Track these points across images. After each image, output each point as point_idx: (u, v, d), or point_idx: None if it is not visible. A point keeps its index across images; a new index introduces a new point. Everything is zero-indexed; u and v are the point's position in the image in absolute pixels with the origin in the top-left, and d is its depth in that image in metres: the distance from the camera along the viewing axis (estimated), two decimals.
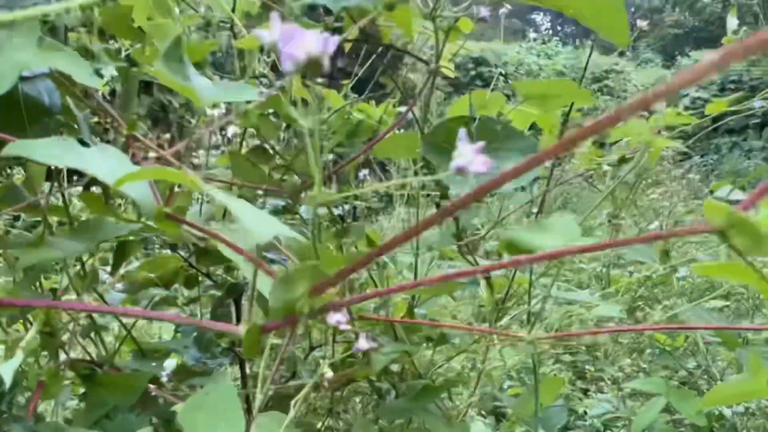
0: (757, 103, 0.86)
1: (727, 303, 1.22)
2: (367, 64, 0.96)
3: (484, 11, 0.55)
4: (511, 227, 0.72)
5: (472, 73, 10.87)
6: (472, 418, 1.58)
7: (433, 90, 0.61)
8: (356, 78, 1.01)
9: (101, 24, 0.57)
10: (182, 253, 0.90)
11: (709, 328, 0.79)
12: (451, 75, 0.95)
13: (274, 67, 0.74)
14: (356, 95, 0.99)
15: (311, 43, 0.23)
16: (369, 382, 0.92)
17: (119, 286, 0.85)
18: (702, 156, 7.40)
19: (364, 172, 0.82)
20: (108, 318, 0.66)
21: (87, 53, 0.43)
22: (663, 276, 1.00)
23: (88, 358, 0.69)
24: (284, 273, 0.27)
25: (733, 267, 0.26)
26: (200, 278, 0.90)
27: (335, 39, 0.24)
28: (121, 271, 0.82)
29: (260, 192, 0.79)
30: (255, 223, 0.25)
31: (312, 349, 0.92)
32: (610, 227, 0.89)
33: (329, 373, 0.42)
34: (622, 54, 15.24)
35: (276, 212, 0.82)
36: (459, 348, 0.75)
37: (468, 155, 0.29)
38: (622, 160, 1.04)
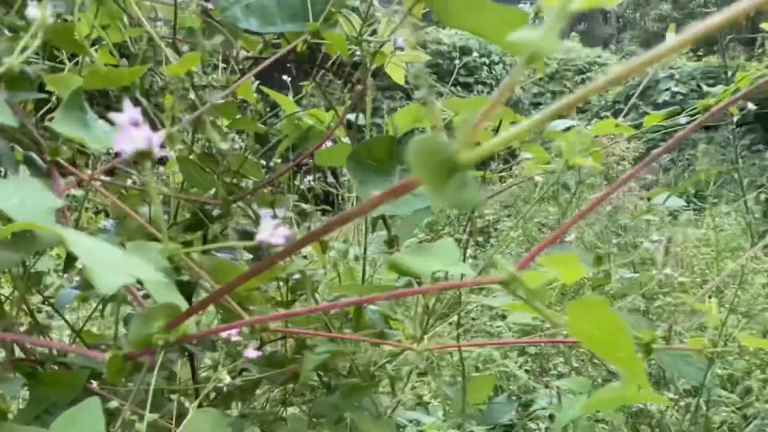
0: (682, 120, 0.91)
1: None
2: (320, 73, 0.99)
3: (400, 41, 0.59)
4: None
5: (456, 61, 10.86)
6: (434, 408, 1.63)
7: (364, 101, 0.65)
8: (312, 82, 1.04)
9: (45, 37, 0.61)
10: None
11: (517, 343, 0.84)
12: (401, 82, 0.99)
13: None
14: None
15: (138, 139, 0.27)
16: (318, 377, 0.96)
17: (73, 283, 0.88)
18: (679, 151, 7.49)
19: (309, 179, 0.86)
20: (56, 318, 0.70)
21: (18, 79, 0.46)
22: (600, 279, 1.05)
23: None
24: (144, 310, 0.31)
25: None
26: None
27: (160, 135, 0.28)
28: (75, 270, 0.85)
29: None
30: (105, 269, 0.27)
31: (263, 344, 0.96)
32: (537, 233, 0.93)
33: (227, 379, 0.46)
34: (606, 46, 15.29)
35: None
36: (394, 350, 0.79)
37: (268, 229, 0.32)
38: (567, 168, 1.08)
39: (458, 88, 9.46)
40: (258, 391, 0.98)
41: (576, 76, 11.08)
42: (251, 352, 0.48)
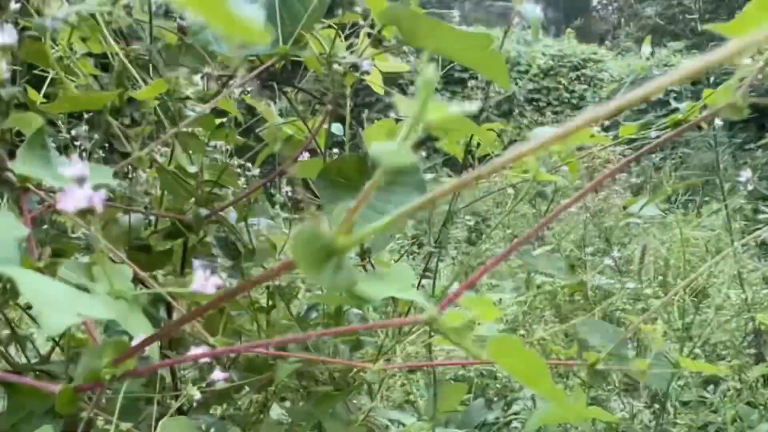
0: (653, 134, 0.93)
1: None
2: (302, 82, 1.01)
3: (366, 65, 0.60)
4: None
5: None
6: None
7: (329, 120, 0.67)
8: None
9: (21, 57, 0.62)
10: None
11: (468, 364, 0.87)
12: (380, 92, 1.00)
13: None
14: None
15: (80, 199, 0.29)
16: (298, 380, 0.99)
17: None
18: (672, 148, 7.52)
19: (286, 190, 0.88)
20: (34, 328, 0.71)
21: None
22: (575, 285, 1.07)
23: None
24: (92, 347, 0.33)
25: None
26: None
27: (101, 195, 0.30)
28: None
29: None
30: (53, 309, 0.29)
31: (238, 356, 0.98)
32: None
33: (197, 395, 0.48)
34: (602, 42, 15.29)
35: None
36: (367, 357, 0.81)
37: (201, 280, 0.34)
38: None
39: (451, 84, 9.44)
40: (242, 392, 1.00)
41: (571, 72, 11.09)
42: (218, 374, 0.50)
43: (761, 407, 1.75)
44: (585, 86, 10.95)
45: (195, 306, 0.68)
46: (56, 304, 0.28)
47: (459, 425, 1.10)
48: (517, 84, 11.00)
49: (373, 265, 0.78)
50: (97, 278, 0.46)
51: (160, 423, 0.58)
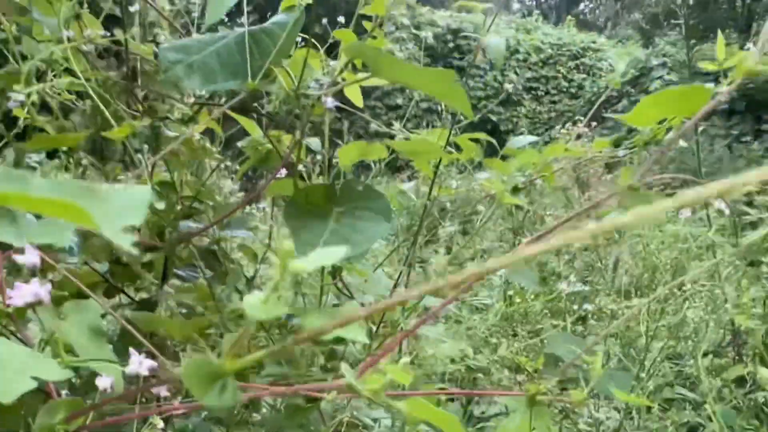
0: (621, 152, 0.95)
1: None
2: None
3: (330, 102, 0.63)
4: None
5: (451, 45, 10.83)
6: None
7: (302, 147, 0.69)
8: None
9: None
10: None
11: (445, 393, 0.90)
12: (360, 105, 1.03)
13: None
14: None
15: (27, 294, 0.31)
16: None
17: None
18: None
19: (263, 206, 0.90)
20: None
21: None
22: (551, 297, 1.10)
23: None
24: (49, 404, 0.36)
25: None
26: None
27: (47, 287, 0.32)
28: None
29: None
30: (8, 375, 0.31)
31: None
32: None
33: (160, 424, 0.51)
34: (602, 31, 15.22)
35: None
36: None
37: (136, 363, 0.37)
38: (516, 190, 1.13)
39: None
40: None
41: (570, 61, 11.07)
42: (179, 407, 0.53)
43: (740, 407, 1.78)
44: (584, 75, 10.93)
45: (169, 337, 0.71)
46: (14, 369, 0.30)
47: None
48: (516, 73, 10.98)
49: (344, 283, 0.81)
50: (66, 315, 0.49)
51: None
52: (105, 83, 0.71)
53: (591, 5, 18.27)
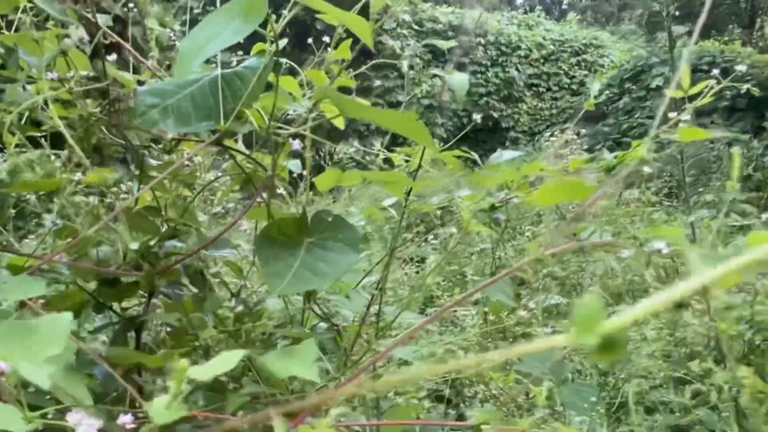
0: (589, 176, 0.99)
1: None
2: None
3: (296, 144, 0.66)
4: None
5: (452, 41, 10.82)
6: None
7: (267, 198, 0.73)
8: None
9: None
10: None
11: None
12: (341, 127, 1.06)
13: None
14: None
15: None
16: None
17: None
18: (668, 141, 7.55)
19: (245, 228, 0.94)
20: None
21: None
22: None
23: None
24: None
25: None
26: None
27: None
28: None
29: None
30: None
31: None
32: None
33: None
34: (604, 27, 15.18)
35: None
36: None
37: (77, 421, 0.40)
38: (493, 208, 1.17)
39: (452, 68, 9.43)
40: None
41: (571, 57, 11.07)
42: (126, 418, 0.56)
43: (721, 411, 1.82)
44: (585, 72, 10.93)
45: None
46: None
47: None
48: (517, 70, 10.98)
49: (319, 306, 0.85)
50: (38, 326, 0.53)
51: None
52: (88, 119, 0.74)
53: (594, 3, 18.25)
